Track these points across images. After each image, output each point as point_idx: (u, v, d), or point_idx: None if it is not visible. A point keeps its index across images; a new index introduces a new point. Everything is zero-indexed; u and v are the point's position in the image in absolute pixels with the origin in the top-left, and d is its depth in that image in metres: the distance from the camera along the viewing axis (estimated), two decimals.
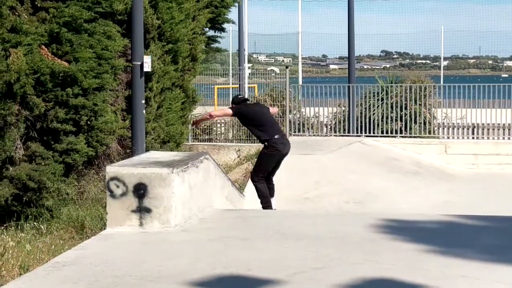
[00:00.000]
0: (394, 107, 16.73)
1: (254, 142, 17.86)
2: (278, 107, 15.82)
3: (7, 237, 8.79)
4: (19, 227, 9.53)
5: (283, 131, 11.24)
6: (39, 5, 10.33)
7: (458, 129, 17.60)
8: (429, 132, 16.64)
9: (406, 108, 16.60)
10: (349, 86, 18.07)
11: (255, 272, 5.40)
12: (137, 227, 6.75)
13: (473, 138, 16.50)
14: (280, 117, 18.31)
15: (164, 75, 12.97)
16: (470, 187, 12.86)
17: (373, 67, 75.83)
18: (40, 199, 10.09)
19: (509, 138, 16.18)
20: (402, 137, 16.11)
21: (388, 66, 78.52)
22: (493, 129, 16.93)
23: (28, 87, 9.71)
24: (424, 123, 16.71)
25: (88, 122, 10.73)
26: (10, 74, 9.29)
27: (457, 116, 17.27)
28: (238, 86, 24.89)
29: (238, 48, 27.28)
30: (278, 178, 12.27)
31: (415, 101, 16.56)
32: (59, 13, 10.29)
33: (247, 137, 18.47)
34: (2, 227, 9.62)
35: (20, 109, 9.88)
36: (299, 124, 17.07)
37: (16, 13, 9.88)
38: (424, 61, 78.75)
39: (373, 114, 16.73)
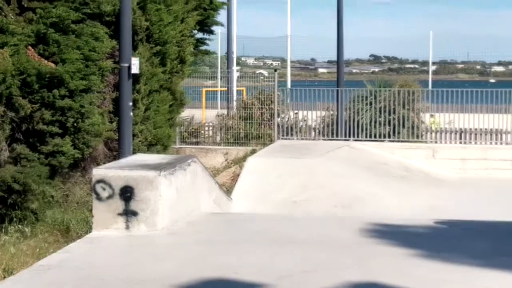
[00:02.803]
0: (382, 111, 16.73)
1: (242, 146, 17.82)
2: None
3: None
4: (3, 229, 9.42)
5: None
6: (26, 6, 10.25)
7: (446, 134, 17.63)
8: (417, 137, 16.66)
9: (394, 113, 16.61)
10: (337, 90, 18.06)
11: (242, 276, 5.36)
12: (124, 230, 6.69)
13: (460, 143, 16.55)
14: (268, 121, 18.27)
15: (152, 77, 12.91)
16: (457, 192, 12.88)
17: (362, 71, 76.06)
18: (25, 201, 10.00)
19: (496, 143, 16.23)
20: (390, 141, 16.11)
21: (376, 70, 78.73)
22: (481, 134, 16.97)
23: (14, 88, 9.63)
24: (412, 128, 16.74)
25: (75, 124, 10.65)
26: None
27: (445, 121, 17.31)
28: (226, 89, 24.85)
29: (226, 51, 27.23)
30: (266, 182, 12.25)
31: (403, 105, 16.59)
32: (46, 13, 10.22)
33: (235, 140, 18.42)
34: None
35: (6, 111, 9.79)
36: (287, 127, 17.05)
37: (3, 14, 9.80)
38: (412, 66, 78.98)
39: (362, 118, 16.74)
